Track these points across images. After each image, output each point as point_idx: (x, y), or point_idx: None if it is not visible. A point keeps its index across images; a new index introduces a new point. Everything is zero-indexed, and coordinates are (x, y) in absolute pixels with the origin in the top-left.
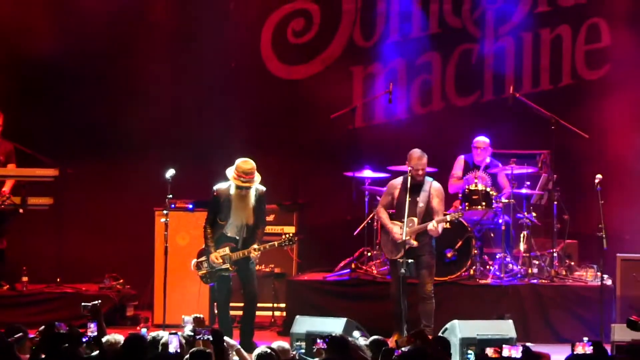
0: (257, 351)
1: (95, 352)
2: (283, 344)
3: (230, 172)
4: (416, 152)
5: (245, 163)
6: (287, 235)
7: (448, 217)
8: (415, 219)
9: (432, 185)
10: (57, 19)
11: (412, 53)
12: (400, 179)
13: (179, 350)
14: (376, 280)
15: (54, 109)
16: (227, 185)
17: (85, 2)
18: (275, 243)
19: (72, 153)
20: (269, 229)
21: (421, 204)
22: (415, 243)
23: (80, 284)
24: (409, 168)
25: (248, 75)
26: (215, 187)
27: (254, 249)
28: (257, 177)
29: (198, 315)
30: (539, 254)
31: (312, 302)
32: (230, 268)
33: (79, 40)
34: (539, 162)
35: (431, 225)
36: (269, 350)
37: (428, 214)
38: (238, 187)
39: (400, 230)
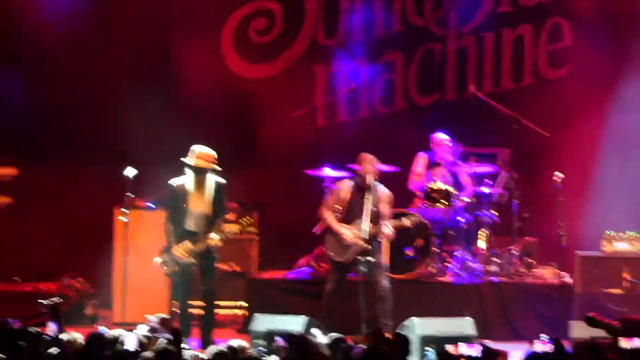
0: (212, 350)
1: (54, 350)
2: (241, 342)
3: (189, 158)
4: (366, 156)
5: (207, 149)
6: (247, 220)
7: (404, 221)
8: (367, 221)
9: (381, 190)
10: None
11: (374, 52)
12: (347, 181)
13: (138, 349)
14: None
15: (13, 106)
16: (182, 179)
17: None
18: (236, 231)
19: (32, 151)
20: (229, 235)
21: (372, 207)
22: (368, 246)
23: (39, 282)
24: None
25: (210, 74)
26: (170, 182)
27: (216, 240)
28: (217, 167)
29: (164, 316)
30: (499, 252)
31: (272, 300)
32: (194, 260)
33: (40, 39)
34: (499, 161)
35: (386, 229)
36: (223, 349)
37: (377, 217)
38: (197, 170)
39: (350, 234)
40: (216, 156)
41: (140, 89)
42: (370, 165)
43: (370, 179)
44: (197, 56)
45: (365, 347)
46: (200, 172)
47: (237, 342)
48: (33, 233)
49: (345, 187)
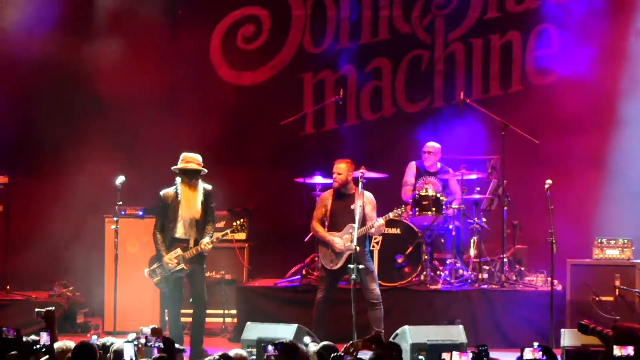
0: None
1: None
2: (240, 351)
3: (177, 165)
4: (339, 162)
5: (192, 153)
6: (239, 222)
7: (391, 215)
8: (355, 225)
9: (365, 194)
10: None
11: (362, 59)
12: (330, 191)
13: (133, 358)
14: None
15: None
16: (173, 189)
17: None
18: (228, 232)
19: (20, 160)
20: (220, 236)
21: (358, 211)
22: (358, 248)
23: (30, 291)
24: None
25: (198, 81)
26: (161, 193)
27: (205, 243)
28: (204, 170)
29: (155, 326)
30: (489, 260)
31: (262, 309)
32: (185, 267)
33: (24, 47)
34: (488, 168)
35: (377, 223)
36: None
37: (363, 221)
38: (186, 173)
39: (340, 240)
40: (201, 159)
41: (131, 96)
42: (344, 171)
43: (335, 181)
44: (185, 63)
45: (358, 354)
46: (189, 176)
47: (236, 351)
48: (23, 241)
49: (327, 196)
